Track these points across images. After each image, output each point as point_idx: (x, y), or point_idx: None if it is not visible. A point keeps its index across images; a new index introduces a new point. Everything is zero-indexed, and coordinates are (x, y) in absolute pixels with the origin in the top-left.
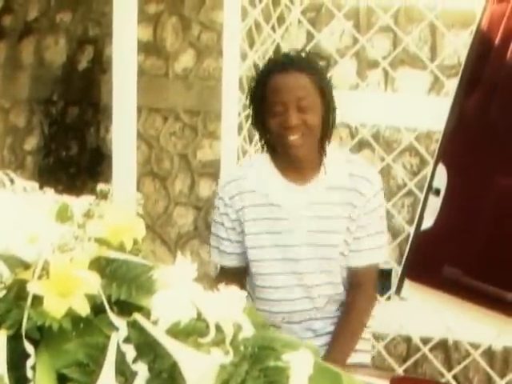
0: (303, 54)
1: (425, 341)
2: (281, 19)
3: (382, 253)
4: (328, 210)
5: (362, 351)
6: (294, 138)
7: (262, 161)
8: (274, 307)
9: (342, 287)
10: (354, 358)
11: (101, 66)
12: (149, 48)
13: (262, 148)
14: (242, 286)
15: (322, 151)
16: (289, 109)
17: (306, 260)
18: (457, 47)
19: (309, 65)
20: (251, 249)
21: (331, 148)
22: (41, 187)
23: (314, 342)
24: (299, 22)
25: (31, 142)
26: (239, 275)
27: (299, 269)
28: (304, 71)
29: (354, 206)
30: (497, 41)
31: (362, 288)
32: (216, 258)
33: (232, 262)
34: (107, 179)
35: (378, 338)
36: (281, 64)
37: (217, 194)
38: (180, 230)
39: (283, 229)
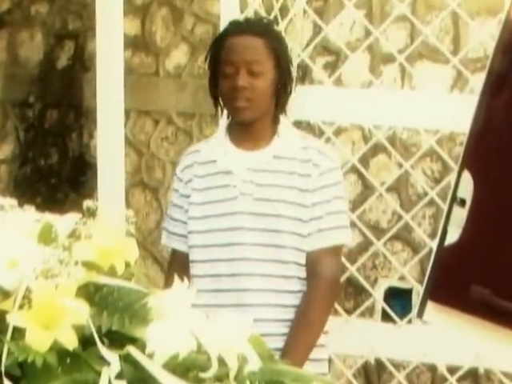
0: (263, 21)
1: (452, 370)
2: (284, 10)
3: (346, 234)
4: (276, 179)
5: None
6: (240, 101)
7: (216, 135)
8: (210, 284)
9: (294, 274)
10: None
11: (83, 63)
12: (137, 43)
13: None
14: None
15: (275, 120)
16: (239, 70)
17: (249, 230)
18: (483, 38)
19: (266, 30)
20: (192, 219)
21: (286, 124)
22: (17, 200)
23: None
24: (304, 12)
25: (5, 150)
26: (186, 269)
27: (241, 239)
28: (260, 36)
29: (307, 176)
30: None
31: (323, 273)
32: (165, 239)
33: (181, 244)
34: (92, 190)
35: (398, 366)
36: (238, 26)
37: None
38: None
39: (229, 196)
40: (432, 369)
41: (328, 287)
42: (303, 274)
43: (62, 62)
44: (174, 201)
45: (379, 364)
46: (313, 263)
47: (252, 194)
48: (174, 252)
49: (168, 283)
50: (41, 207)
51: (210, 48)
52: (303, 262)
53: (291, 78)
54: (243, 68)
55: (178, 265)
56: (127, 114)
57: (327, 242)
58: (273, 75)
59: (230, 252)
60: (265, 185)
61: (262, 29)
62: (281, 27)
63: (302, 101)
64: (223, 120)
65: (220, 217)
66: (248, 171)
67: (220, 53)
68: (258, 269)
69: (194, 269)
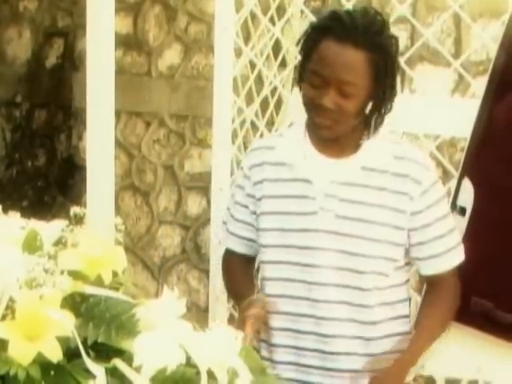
0: (375, 23)
1: (451, 383)
2: (281, 10)
3: (461, 251)
4: (363, 195)
5: None
6: (322, 118)
7: (294, 130)
8: (283, 307)
9: (376, 302)
10: None
11: (72, 62)
12: (128, 42)
13: None
14: (248, 276)
15: (366, 128)
16: (327, 87)
17: (326, 251)
18: (485, 41)
19: (374, 40)
20: (263, 231)
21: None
22: (2, 203)
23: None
24: (302, 13)
25: None
26: (244, 264)
27: (317, 261)
28: (365, 49)
29: (403, 194)
30: None
31: (444, 292)
32: (222, 236)
33: (240, 246)
34: (80, 194)
35: None
36: (340, 28)
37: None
38: (165, 253)
39: (307, 209)
40: (430, 381)
41: (449, 302)
42: (386, 299)
43: (51, 60)
44: (237, 199)
45: None
46: (432, 286)
47: (334, 210)
48: (231, 252)
49: (238, 285)
50: (27, 211)
51: (304, 36)
52: (383, 285)
53: (394, 93)
54: (334, 86)
55: (238, 267)
56: (118, 115)
57: (445, 265)
58: (368, 94)
59: (306, 274)
60: (350, 201)
61: (369, 38)
62: (277, 28)
63: (297, 105)
64: (219, 123)
65: (295, 232)
66: (331, 183)
67: (311, 52)
68: (336, 295)
69: (265, 288)
